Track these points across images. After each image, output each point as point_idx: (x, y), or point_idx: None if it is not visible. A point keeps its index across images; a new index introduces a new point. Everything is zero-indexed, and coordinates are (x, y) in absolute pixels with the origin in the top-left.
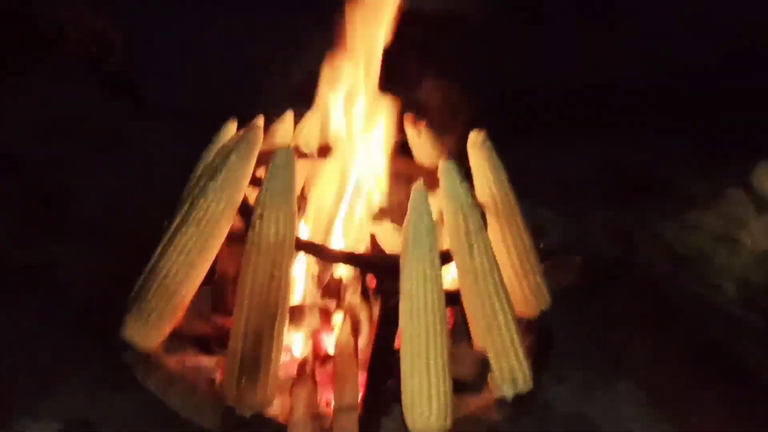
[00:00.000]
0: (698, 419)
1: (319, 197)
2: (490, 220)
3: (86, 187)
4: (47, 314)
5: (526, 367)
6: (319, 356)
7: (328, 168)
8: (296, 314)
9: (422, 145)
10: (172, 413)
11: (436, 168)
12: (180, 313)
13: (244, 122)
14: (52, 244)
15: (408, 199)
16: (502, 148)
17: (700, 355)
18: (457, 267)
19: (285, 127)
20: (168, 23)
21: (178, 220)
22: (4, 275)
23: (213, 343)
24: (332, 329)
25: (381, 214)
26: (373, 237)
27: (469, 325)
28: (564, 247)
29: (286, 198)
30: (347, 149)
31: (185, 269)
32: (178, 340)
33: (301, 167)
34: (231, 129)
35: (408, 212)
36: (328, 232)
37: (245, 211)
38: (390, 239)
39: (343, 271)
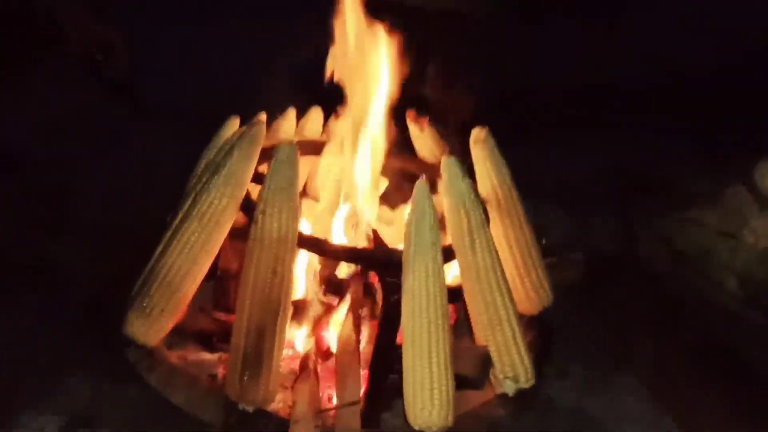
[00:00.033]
0: (700, 415)
1: (322, 193)
2: (493, 215)
3: (88, 186)
4: (49, 311)
5: (528, 363)
6: (322, 352)
7: (331, 164)
8: (299, 310)
9: (425, 141)
10: (175, 409)
11: (439, 164)
12: (182, 309)
13: (246, 120)
14: (54, 242)
15: (410, 195)
16: (504, 146)
17: (702, 352)
18: (460, 263)
19: (287, 124)
20: (168, 23)
21: (180, 216)
22: (7, 273)
23: (215, 338)
24: (334, 325)
25: (383, 210)
26: (375, 233)
27: (471, 321)
28: (566, 244)
29: (289, 194)
30: (350, 145)
31: (188, 265)
32: (180, 335)
33: (303, 163)
34: (233, 125)
35: (410, 208)
36: (330, 227)
37: (248, 206)
38: (392, 235)
39: (345, 267)
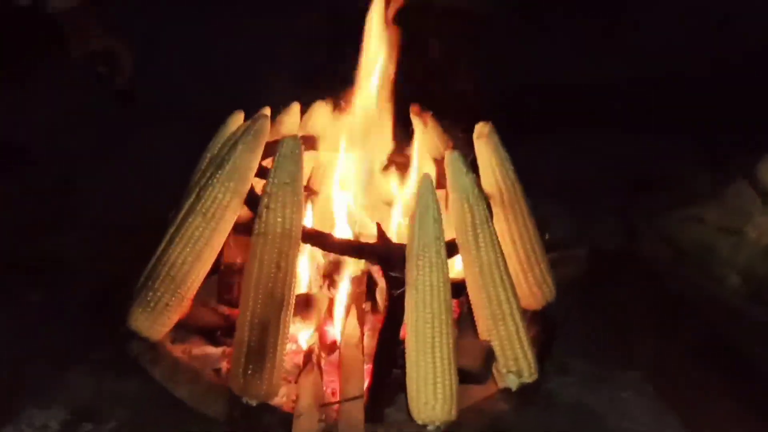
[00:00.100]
0: (702, 411)
1: (326, 187)
2: (496, 210)
3: (90, 183)
4: (52, 307)
5: (531, 358)
6: (325, 346)
7: (335, 159)
8: (302, 304)
9: (428, 135)
10: (178, 402)
11: (442, 159)
12: (186, 303)
13: (250, 115)
14: (57, 239)
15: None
16: (508, 142)
17: (704, 348)
18: (463, 257)
19: (291, 118)
20: (170, 22)
21: (184, 210)
22: (10, 270)
23: (219, 332)
24: (338, 319)
25: (387, 203)
26: (379, 227)
27: (475, 315)
28: (569, 240)
29: (293, 188)
30: (354, 141)
31: (192, 259)
32: (184, 329)
33: (307, 158)
34: (237, 120)
35: (414, 202)
36: (334, 222)
37: (252, 201)
38: (396, 229)
39: (349, 261)
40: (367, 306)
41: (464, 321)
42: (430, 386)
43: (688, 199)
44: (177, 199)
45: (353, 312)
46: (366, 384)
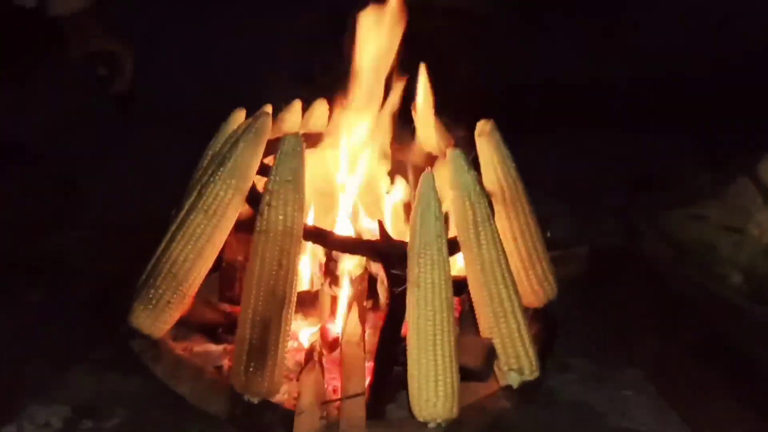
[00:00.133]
0: (703, 409)
1: (327, 185)
2: (498, 208)
3: (91, 182)
4: (54, 305)
5: (533, 355)
6: (327, 343)
7: (336, 156)
8: (304, 302)
9: (430, 132)
10: (180, 400)
11: (444, 156)
12: (188, 301)
13: (251, 113)
14: (58, 237)
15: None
16: (510, 139)
17: (706, 347)
18: (464, 255)
19: (293, 116)
20: (170, 22)
21: (186, 207)
22: (11, 268)
23: (221, 330)
24: (340, 317)
25: (389, 202)
26: (380, 224)
27: (476, 313)
28: (570, 238)
29: (295, 185)
30: (355, 138)
31: (193, 257)
32: (185, 327)
33: (309, 155)
34: (239, 117)
35: (416, 199)
36: (335, 219)
37: (253, 198)
38: (398, 227)
39: (350, 259)
40: (368, 303)
41: (466, 319)
42: (431, 384)
43: (689, 197)
44: (177, 198)
45: (355, 309)
46: (367, 381)
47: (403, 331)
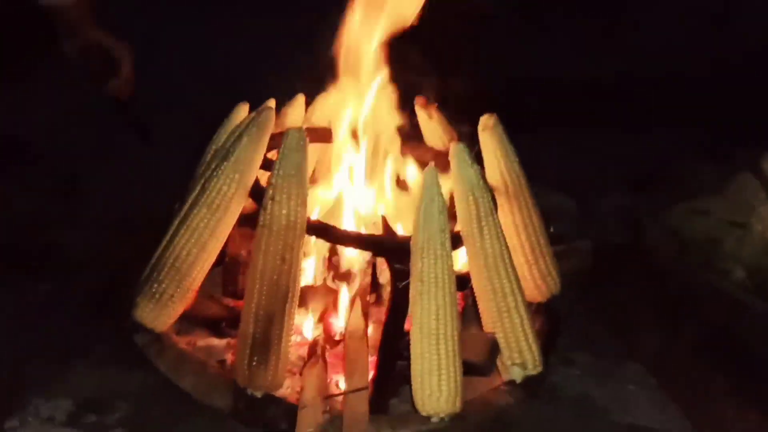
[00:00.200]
0: (706, 404)
1: (331, 179)
2: (501, 202)
3: (95, 176)
4: (58, 298)
5: (536, 350)
6: (330, 338)
7: (339, 150)
8: (307, 296)
9: (433, 127)
10: (183, 394)
11: (447, 151)
12: (191, 295)
13: (254, 108)
14: (62, 231)
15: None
16: (514, 133)
17: (709, 341)
18: (468, 249)
19: (296, 111)
20: (170, 22)
21: (189, 202)
22: (15, 262)
23: (224, 324)
24: (343, 311)
25: (392, 196)
26: (384, 219)
27: (479, 308)
28: (573, 233)
29: (298, 180)
30: (358, 132)
31: (196, 251)
32: (189, 321)
33: (312, 149)
34: (242, 112)
35: (419, 194)
36: (339, 214)
37: (257, 193)
38: (401, 221)
39: (354, 253)
40: (371, 298)
41: (469, 313)
42: (434, 378)
43: (693, 192)
44: (178, 195)
45: (358, 304)
46: (371, 376)
47: (406, 325)
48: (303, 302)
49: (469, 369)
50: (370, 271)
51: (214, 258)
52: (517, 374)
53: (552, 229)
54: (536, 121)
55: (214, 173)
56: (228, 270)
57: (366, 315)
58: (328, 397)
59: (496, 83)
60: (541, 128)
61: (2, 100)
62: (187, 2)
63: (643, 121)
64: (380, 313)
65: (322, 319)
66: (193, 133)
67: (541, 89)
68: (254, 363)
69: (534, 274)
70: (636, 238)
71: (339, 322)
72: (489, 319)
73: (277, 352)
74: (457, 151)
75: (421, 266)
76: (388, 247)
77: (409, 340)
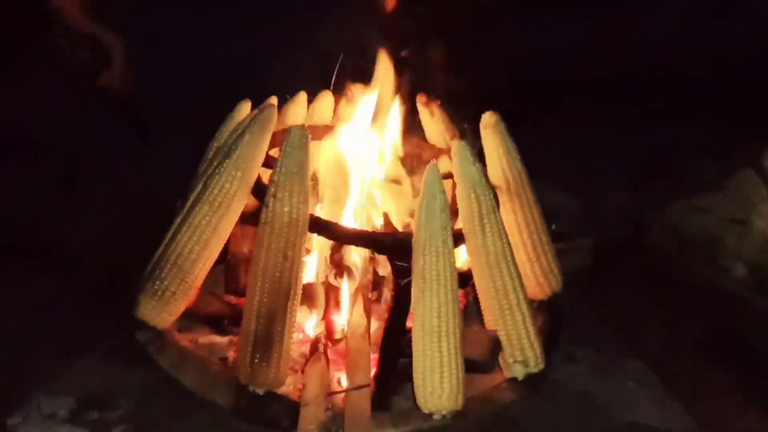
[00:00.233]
0: (707, 401)
1: (333, 177)
2: (503, 200)
3: (99, 170)
4: (60, 295)
5: (538, 347)
6: (332, 335)
7: (342, 148)
8: (309, 294)
9: (435, 125)
10: (185, 391)
11: (449, 148)
12: (193, 292)
13: (256, 106)
14: (65, 226)
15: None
16: (516, 131)
17: (710, 338)
18: (469, 247)
19: (298, 108)
20: (170, 22)
21: (191, 200)
22: (18, 257)
23: (226, 321)
24: (345, 309)
25: (394, 195)
26: (386, 216)
27: (481, 305)
28: (575, 231)
29: (300, 177)
30: (360, 130)
31: (199, 248)
32: (191, 318)
33: (314, 147)
34: (245, 109)
35: (421, 191)
36: (341, 211)
37: (259, 190)
38: (403, 219)
39: (356, 251)
40: (373, 295)
41: (471, 311)
42: (436, 375)
43: (694, 189)
44: (181, 192)
45: (360, 301)
46: (372, 373)
47: (408, 323)
48: (305, 299)
49: (470, 366)
50: (372, 268)
51: (216, 255)
52: (518, 371)
53: (553, 227)
54: (539, 115)
55: (217, 171)
56: (230, 267)
57: (368, 312)
58: (330, 395)
59: (496, 79)
60: (542, 126)
61: (3, 97)
62: (188, 2)
63: (644, 119)
64: (382, 310)
65: (324, 316)
66: (194, 131)
67: (541, 87)
68: (256, 360)
69: (536, 272)
70: (637, 236)
71: (341, 320)
72: (491, 317)
73: (279, 350)
74: (459, 149)
75: (423, 264)
76: (390, 244)
77: (410, 338)
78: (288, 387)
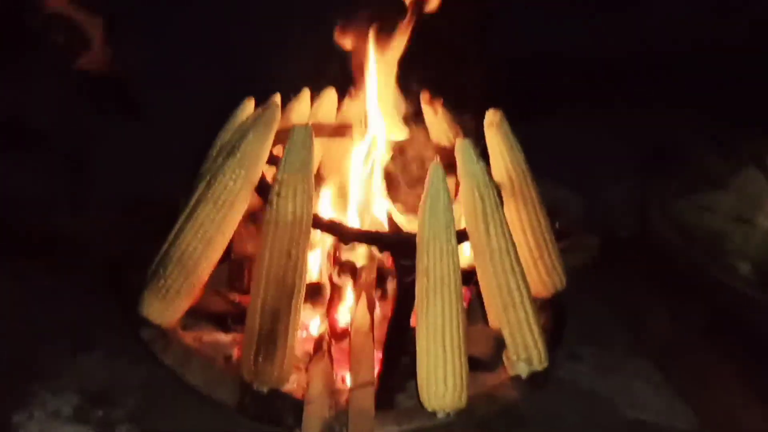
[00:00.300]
0: (713, 399)
1: (336, 175)
2: (506, 198)
3: (103, 161)
4: (64, 290)
5: (542, 345)
6: (336, 333)
7: (345, 146)
8: (313, 292)
9: (438, 123)
10: (189, 389)
11: (453, 146)
12: (197, 290)
13: (260, 103)
14: (69, 218)
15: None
16: (518, 126)
17: (715, 336)
18: (473, 245)
19: (302, 106)
20: (171, 20)
21: (195, 197)
22: (23, 249)
23: (230, 319)
24: (348, 307)
25: (397, 192)
26: (389, 215)
27: (485, 303)
28: (579, 228)
29: (304, 175)
30: (364, 127)
31: (203, 246)
32: (195, 316)
33: (318, 145)
34: (248, 107)
35: (425, 189)
36: (345, 209)
37: (263, 189)
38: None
39: (360, 249)
40: (377, 293)
41: (474, 309)
42: (440, 373)
43: (699, 187)
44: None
45: (363, 299)
46: (376, 371)
47: (411, 321)
48: (309, 298)
49: (474, 364)
50: (375, 266)
51: (220, 254)
52: (522, 369)
53: (557, 224)
54: (549, 100)
55: (220, 169)
56: (234, 266)
57: (372, 310)
58: (334, 393)
59: (509, 61)
60: (553, 108)
61: (6, 83)
62: (187, 2)
63: (648, 116)
64: (386, 308)
65: (328, 314)
66: (197, 129)
67: (554, 67)
68: (260, 358)
69: (540, 269)
70: (642, 233)
71: (345, 318)
72: (495, 315)
73: (283, 348)
74: (462, 147)
75: (426, 262)
76: (394, 242)
77: (414, 336)
78: (292, 385)
